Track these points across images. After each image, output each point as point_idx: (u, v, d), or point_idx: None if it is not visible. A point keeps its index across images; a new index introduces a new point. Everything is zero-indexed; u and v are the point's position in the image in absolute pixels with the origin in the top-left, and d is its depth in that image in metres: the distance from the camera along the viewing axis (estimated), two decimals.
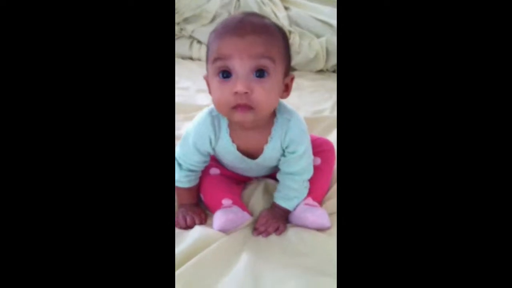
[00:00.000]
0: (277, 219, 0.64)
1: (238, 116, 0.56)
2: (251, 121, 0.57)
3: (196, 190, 0.70)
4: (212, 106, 0.63)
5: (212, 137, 0.63)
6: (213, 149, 0.66)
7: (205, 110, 0.65)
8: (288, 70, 0.61)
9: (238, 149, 0.65)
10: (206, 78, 0.60)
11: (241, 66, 0.53)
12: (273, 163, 0.68)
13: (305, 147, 0.65)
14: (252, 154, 0.66)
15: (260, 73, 0.54)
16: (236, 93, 0.53)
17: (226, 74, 0.54)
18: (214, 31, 0.58)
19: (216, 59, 0.55)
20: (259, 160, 0.66)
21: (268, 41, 0.54)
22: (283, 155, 0.66)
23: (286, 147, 0.64)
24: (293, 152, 0.64)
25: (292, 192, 0.67)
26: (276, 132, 0.63)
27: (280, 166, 0.68)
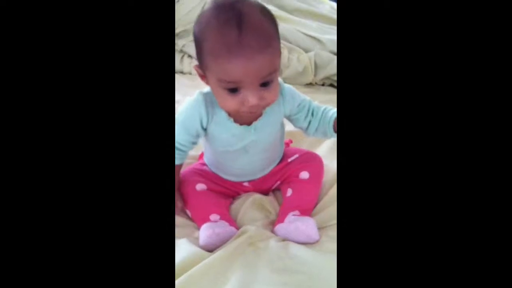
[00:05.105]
0: None
1: (248, 115, 0.61)
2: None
3: (177, 173, 0.70)
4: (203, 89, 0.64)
5: (204, 115, 0.63)
6: (205, 129, 0.65)
7: (198, 92, 0.64)
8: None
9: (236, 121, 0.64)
10: (198, 70, 0.59)
11: (250, 85, 0.54)
12: (274, 129, 0.69)
13: (307, 98, 0.71)
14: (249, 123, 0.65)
15: (267, 83, 0.55)
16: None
17: (234, 90, 0.55)
18: (208, 26, 0.53)
19: (222, 80, 0.54)
20: (258, 123, 0.65)
21: (273, 53, 0.54)
22: (295, 116, 0.70)
23: (294, 112, 0.70)
24: (303, 107, 0.70)
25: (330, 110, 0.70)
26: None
27: (299, 124, 0.72)
